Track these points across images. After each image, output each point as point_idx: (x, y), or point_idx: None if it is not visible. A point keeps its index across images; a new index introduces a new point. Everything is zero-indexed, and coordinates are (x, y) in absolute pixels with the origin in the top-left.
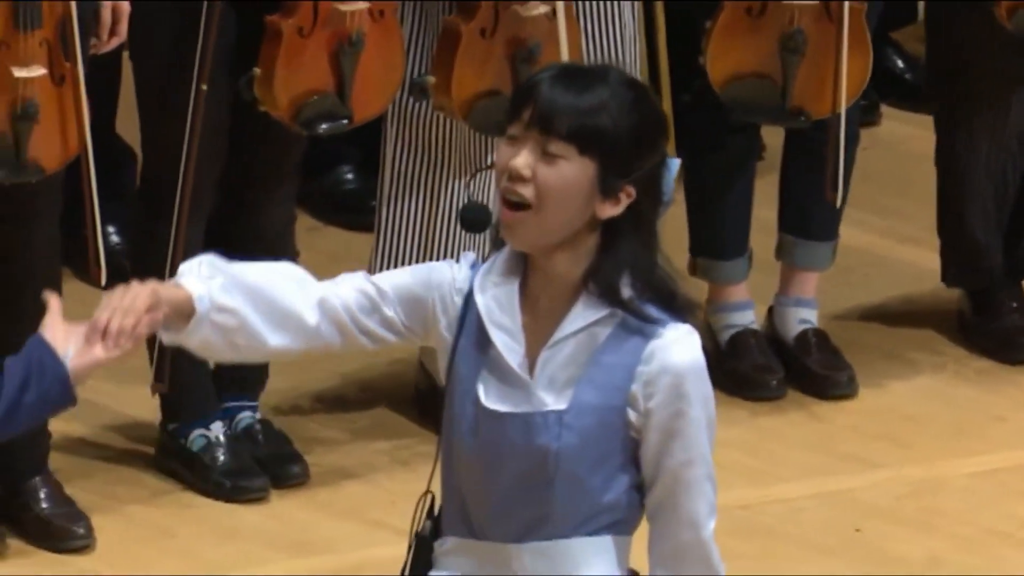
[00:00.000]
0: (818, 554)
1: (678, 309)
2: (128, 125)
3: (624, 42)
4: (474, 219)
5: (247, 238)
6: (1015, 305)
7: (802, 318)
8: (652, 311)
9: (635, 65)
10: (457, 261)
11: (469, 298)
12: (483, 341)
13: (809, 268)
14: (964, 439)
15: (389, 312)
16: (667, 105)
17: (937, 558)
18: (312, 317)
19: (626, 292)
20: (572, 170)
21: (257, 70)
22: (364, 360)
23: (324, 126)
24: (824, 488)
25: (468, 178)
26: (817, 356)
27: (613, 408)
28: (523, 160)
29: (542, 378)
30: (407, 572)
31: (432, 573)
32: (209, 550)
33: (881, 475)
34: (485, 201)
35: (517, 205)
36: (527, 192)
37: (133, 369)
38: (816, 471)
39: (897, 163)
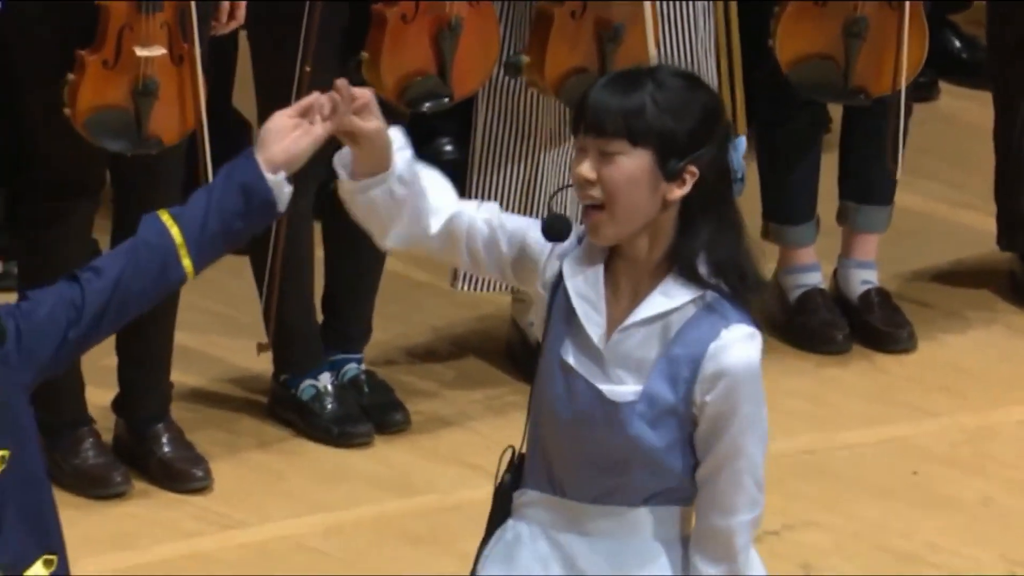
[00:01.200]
0: (878, 495)
1: (746, 289)
2: (242, 98)
3: (697, 22)
4: (555, 228)
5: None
6: None
7: (864, 279)
8: (723, 292)
9: (710, 44)
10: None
11: (559, 276)
12: (570, 310)
13: (868, 231)
14: (1015, 390)
15: (503, 248)
16: (740, 84)
17: (989, 499)
18: (446, 221)
19: (703, 269)
20: (630, 163)
21: (365, 54)
22: (456, 315)
23: (427, 104)
24: (884, 435)
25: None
26: (879, 313)
27: (679, 399)
28: (586, 166)
29: (616, 356)
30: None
31: (510, 521)
32: (318, 491)
33: (938, 423)
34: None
35: (594, 207)
36: (596, 193)
37: (247, 326)
38: (877, 419)
39: (955, 135)
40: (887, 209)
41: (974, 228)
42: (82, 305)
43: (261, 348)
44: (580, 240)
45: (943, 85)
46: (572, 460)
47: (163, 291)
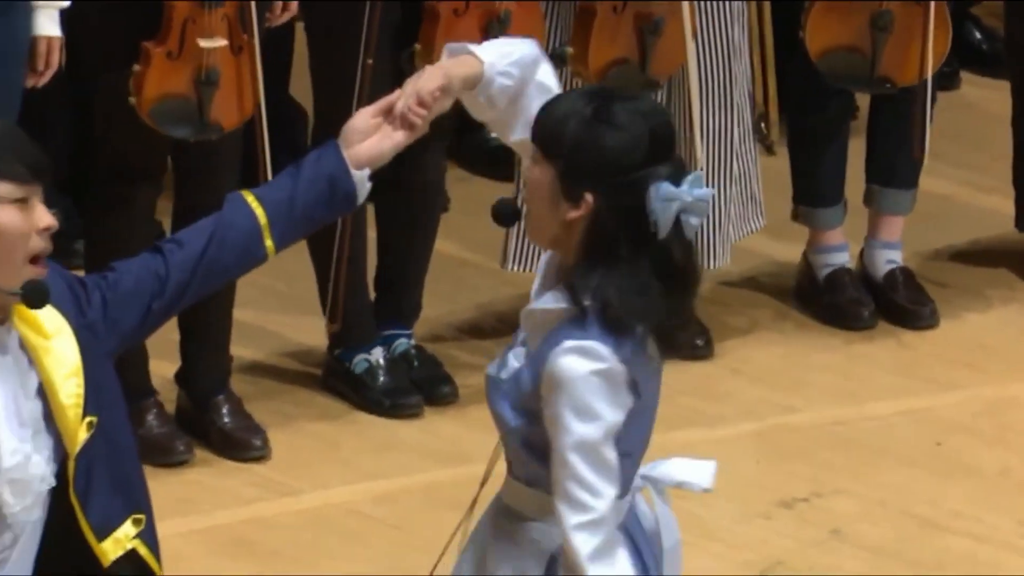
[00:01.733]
0: (904, 464)
1: (620, 329)
2: (298, 88)
3: (733, 16)
4: (502, 212)
5: (407, 186)
6: None
7: (889, 259)
8: (591, 322)
9: (744, 37)
10: None
11: None
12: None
13: (892, 213)
14: None
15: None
16: (772, 73)
17: (1008, 469)
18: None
19: (584, 297)
20: (539, 171)
21: (418, 46)
22: (502, 293)
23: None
24: (909, 407)
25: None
26: (904, 292)
27: (532, 393)
28: (525, 168)
29: (518, 336)
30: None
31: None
32: (370, 460)
33: (960, 395)
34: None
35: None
36: (525, 195)
37: (303, 301)
38: (902, 392)
39: (975, 122)
40: (911, 192)
41: (994, 211)
42: (166, 277)
43: (330, 328)
44: None
45: (964, 75)
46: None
47: (244, 268)
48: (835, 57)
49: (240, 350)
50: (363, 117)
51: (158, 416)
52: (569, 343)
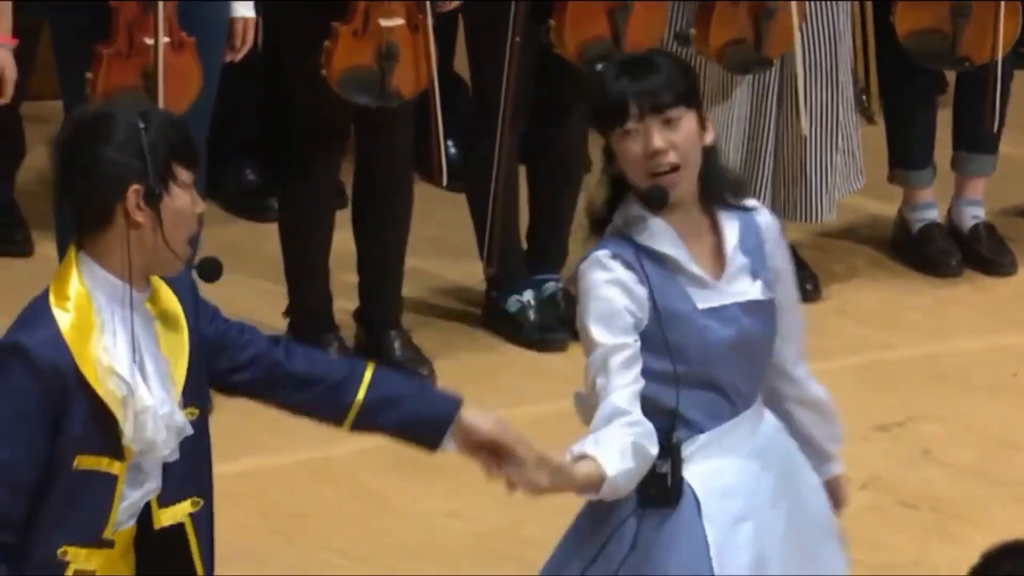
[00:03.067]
0: (986, 393)
1: (743, 193)
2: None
3: (838, 5)
4: (656, 197)
5: (553, 149)
6: None
7: (974, 215)
8: (738, 196)
9: (847, 23)
10: (603, 265)
11: (638, 258)
12: (668, 273)
13: (976, 175)
14: None
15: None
16: (872, 55)
17: None
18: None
19: (730, 196)
20: (689, 123)
21: (552, 22)
22: None
23: (601, 64)
24: (990, 344)
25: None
26: (986, 243)
27: (768, 266)
28: (657, 139)
29: (731, 278)
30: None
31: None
32: (522, 387)
33: None
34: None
35: (670, 170)
36: (672, 158)
37: (461, 248)
38: (984, 330)
39: None
40: (992, 157)
41: None
42: (261, 368)
43: (487, 272)
44: (636, 252)
45: None
46: (739, 377)
47: (310, 414)
48: (920, 39)
49: (409, 291)
50: (488, 427)
51: (339, 348)
52: (760, 210)
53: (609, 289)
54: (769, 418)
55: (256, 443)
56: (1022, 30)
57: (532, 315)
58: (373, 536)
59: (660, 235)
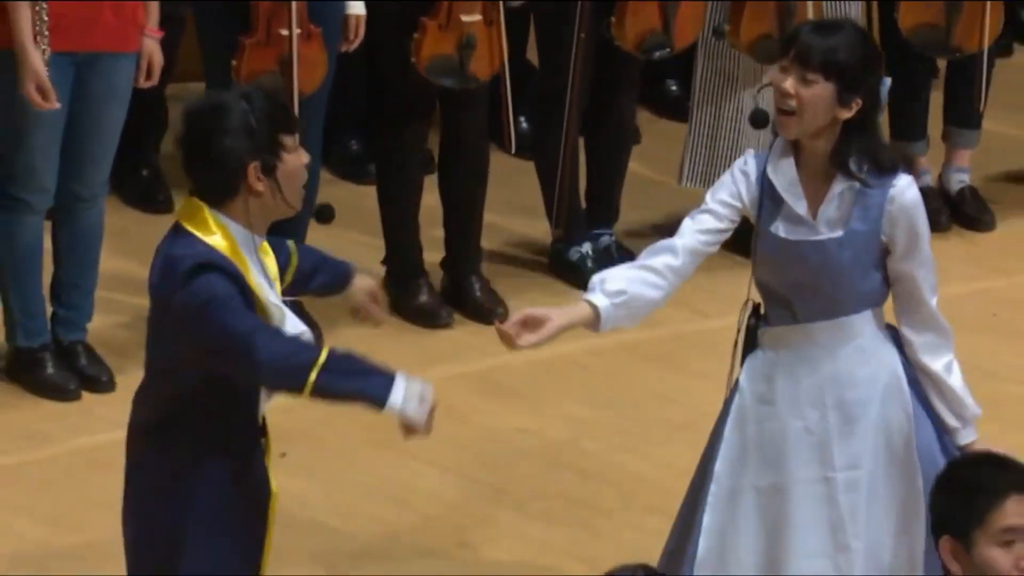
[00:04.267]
0: (969, 330)
1: (894, 170)
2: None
3: (850, 4)
4: (758, 119)
5: (606, 123)
6: None
7: (960, 179)
8: (874, 177)
9: (857, 16)
10: (744, 161)
11: (763, 177)
12: (777, 199)
13: (963, 147)
14: None
15: (725, 226)
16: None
17: None
18: (673, 287)
19: (853, 166)
20: (821, 90)
21: (612, 19)
22: (677, 203)
23: (657, 53)
24: (974, 288)
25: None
26: (971, 204)
27: (873, 232)
28: (789, 84)
29: (823, 219)
30: (738, 351)
31: (759, 351)
32: None
33: (1011, 280)
34: (764, 107)
35: (787, 112)
36: (792, 103)
37: (531, 208)
38: (969, 277)
39: (1017, 81)
40: (977, 132)
41: None
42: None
43: (555, 234)
44: (763, 171)
45: (1016, 46)
46: (802, 292)
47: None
48: (920, 31)
49: (486, 243)
50: (365, 285)
51: (428, 292)
52: (900, 183)
53: (734, 173)
54: (873, 359)
55: None
56: (1003, 24)
57: (590, 264)
58: (457, 448)
59: (782, 172)
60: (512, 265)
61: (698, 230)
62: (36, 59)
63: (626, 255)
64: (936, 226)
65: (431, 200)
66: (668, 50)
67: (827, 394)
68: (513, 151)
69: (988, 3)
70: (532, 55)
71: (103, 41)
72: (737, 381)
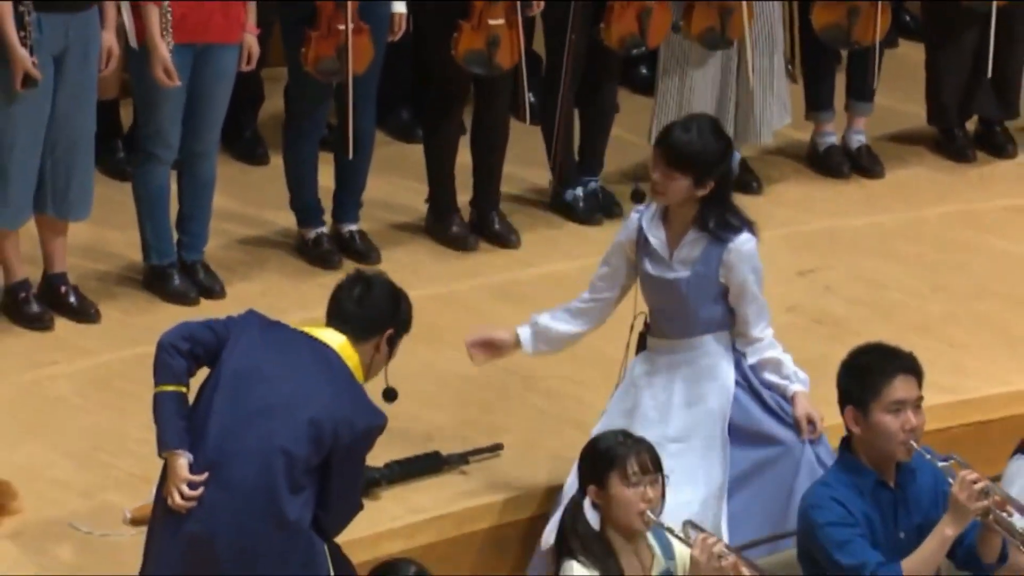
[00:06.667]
0: (867, 253)
1: (739, 228)
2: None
3: (775, 8)
4: (638, 196)
5: (593, 99)
6: None
7: (858, 140)
8: (724, 232)
9: (780, 17)
10: (631, 216)
11: (640, 228)
12: (647, 244)
13: (860, 115)
14: (944, 193)
15: (615, 269)
16: (798, 40)
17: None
18: (592, 321)
19: (711, 223)
20: (681, 181)
21: (602, 25)
22: (644, 155)
23: (634, 51)
24: (869, 220)
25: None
26: (866, 158)
27: (712, 274)
28: (658, 175)
29: (676, 260)
30: (630, 350)
31: (646, 352)
32: (574, 247)
33: (900, 215)
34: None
35: (657, 192)
36: (660, 188)
37: (539, 162)
38: (865, 212)
39: (904, 66)
40: (871, 104)
41: (914, 114)
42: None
43: (552, 184)
44: (640, 223)
45: (901, 39)
46: (663, 316)
47: None
48: (828, 29)
49: (504, 188)
50: None
51: (460, 224)
52: (738, 240)
53: (625, 223)
54: (713, 363)
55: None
56: (891, 23)
57: (581, 203)
58: None
59: (653, 223)
60: (523, 204)
61: (598, 279)
62: (163, 49)
63: (608, 196)
64: (839, 175)
65: (463, 157)
66: (644, 48)
67: (676, 383)
68: (528, 121)
69: (879, 6)
70: (539, 48)
71: (214, 35)
72: (625, 373)
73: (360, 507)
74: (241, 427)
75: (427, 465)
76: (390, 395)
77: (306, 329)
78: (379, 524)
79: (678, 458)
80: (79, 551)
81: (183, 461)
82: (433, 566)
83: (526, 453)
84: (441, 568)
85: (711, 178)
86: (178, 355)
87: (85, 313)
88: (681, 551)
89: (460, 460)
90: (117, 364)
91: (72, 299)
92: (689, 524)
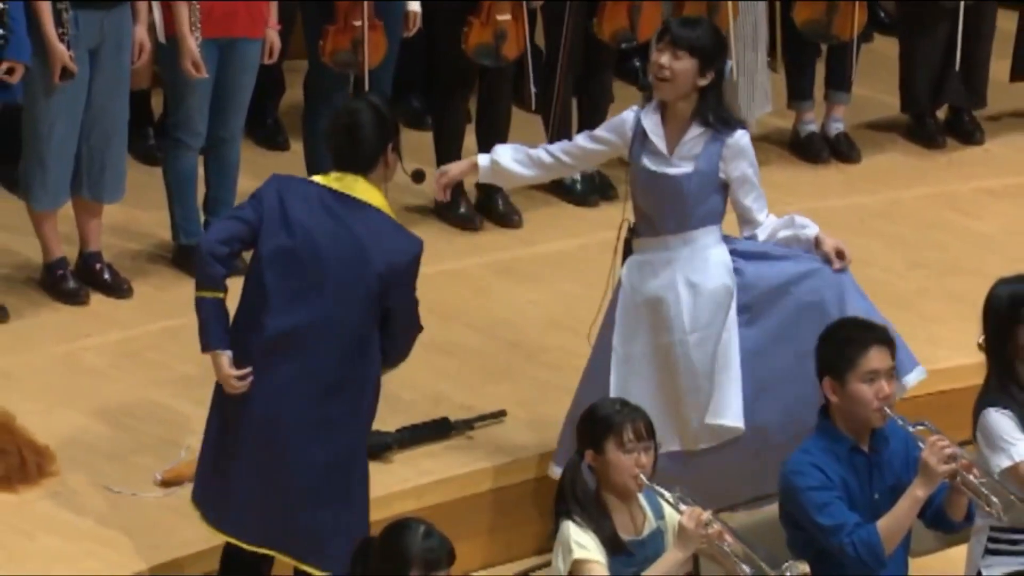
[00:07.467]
0: (843, 228)
1: (735, 124)
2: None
3: (758, 5)
4: (418, 176)
5: (589, 88)
6: None
7: (837, 127)
8: (723, 126)
9: (764, 13)
10: (628, 112)
11: (638, 123)
12: (646, 140)
13: (839, 104)
14: (921, 175)
15: (598, 148)
16: (780, 33)
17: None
18: (545, 175)
19: (710, 116)
20: (688, 63)
21: (596, 20)
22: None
23: (625, 44)
24: (847, 202)
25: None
26: (844, 144)
27: (713, 170)
28: (665, 59)
29: (677, 156)
30: (618, 256)
31: (635, 255)
32: (571, 224)
33: (876, 197)
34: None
35: (662, 79)
36: (667, 73)
37: (536, 145)
38: (843, 194)
39: (879, 58)
40: (849, 94)
41: (887, 103)
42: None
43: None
44: (638, 120)
45: (876, 35)
46: (661, 208)
47: None
48: (809, 24)
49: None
50: None
51: (466, 204)
52: (736, 134)
53: (621, 117)
54: (707, 256)
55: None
56: (867, 19)
57: (579, 186)
58: (485, 313)
59: (652, 120)
60: (524, 187)
61: (579, 141)
62: (191, 43)
63: (605, 180)
64: (818, 160)
65: (469, 142)
66: (634, 42)
67: (678, 279)
68: (533, 106)
69: (856, 4)
70: (538, 41)
71: (239, 30)
72: (620, 278)
73: (421, 327)
74: (301, 300)
75: (435, 431)
76: (419, 176)
77: (326, 183)
78: (391, 485)
79: (700, 347)
80: (112, 510)
81: (224, 359)
82: (441, 524)
83: (528, 420)
84: (448, 526)
85: (711, 69)
86: (216, 263)
87: (118, 289)
88: (670, 512)
89: (466, 426)
90: (148, 337)
91: (106, 276)
92: (679, 495)
